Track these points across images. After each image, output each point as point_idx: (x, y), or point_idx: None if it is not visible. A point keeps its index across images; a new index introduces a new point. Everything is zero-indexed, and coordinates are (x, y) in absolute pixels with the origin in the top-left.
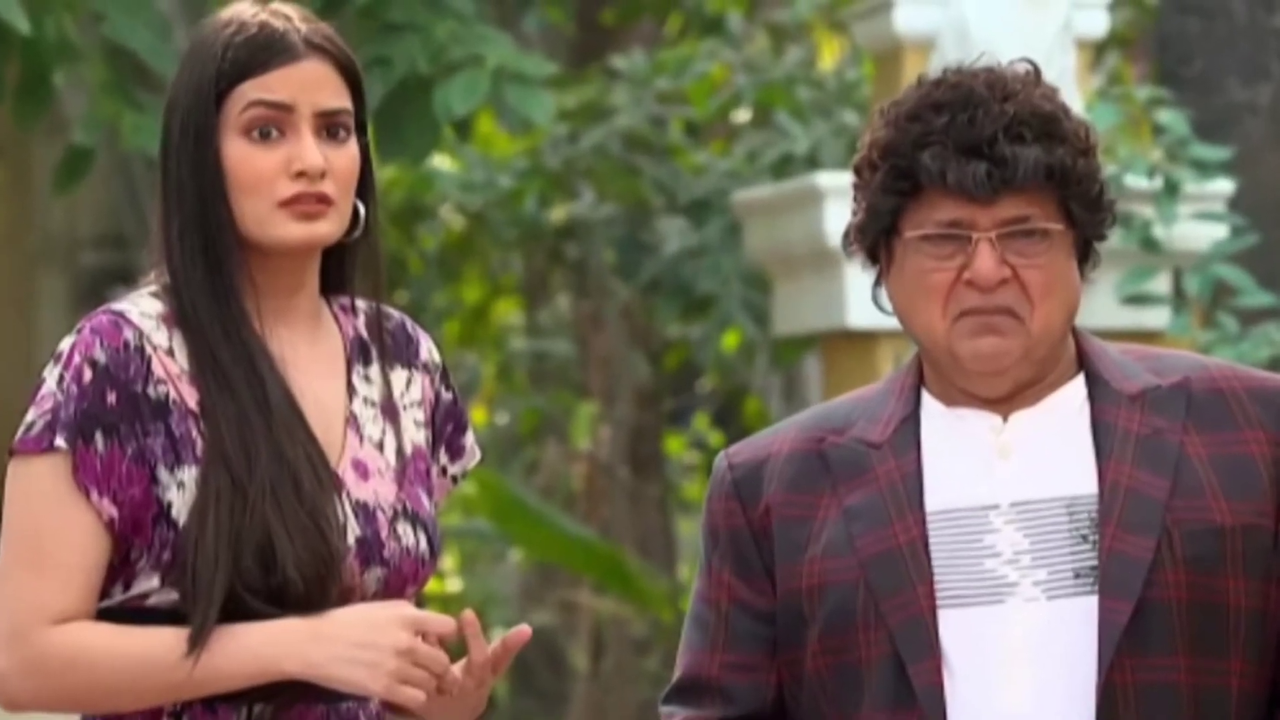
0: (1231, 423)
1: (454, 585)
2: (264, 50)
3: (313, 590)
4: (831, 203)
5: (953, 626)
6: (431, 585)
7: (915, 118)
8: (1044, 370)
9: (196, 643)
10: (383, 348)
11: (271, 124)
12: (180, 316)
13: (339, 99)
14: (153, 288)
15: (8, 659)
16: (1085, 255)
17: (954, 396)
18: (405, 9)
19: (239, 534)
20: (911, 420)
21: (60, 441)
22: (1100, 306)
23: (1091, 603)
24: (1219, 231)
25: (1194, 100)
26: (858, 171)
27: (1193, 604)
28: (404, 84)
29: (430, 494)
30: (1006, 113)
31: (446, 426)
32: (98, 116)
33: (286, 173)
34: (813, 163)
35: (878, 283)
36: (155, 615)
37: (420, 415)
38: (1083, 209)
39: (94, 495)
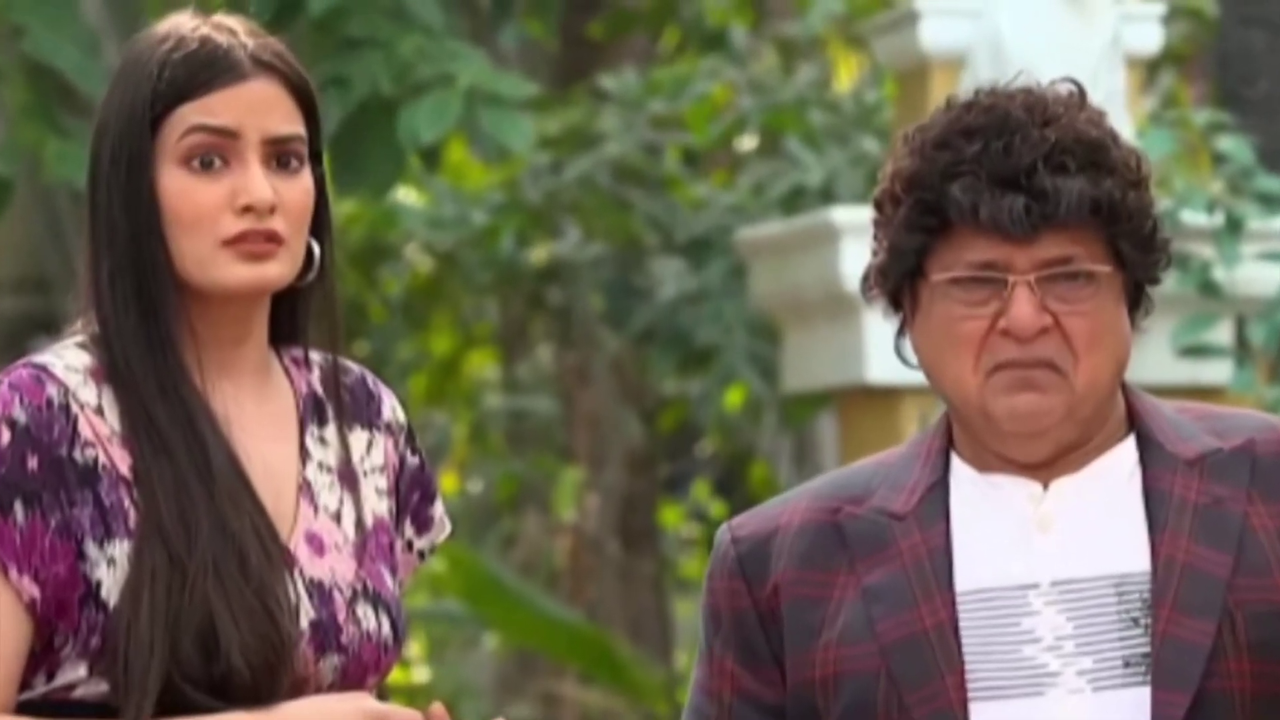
0: None
1: (421, 674)
2: (205, 69)
3: (261, 680)
4: (848, 242)
5: None
6: (396, 675)
7: (944, 145)
8: (1089, 431)
9: None
10: (340, 406)
11: (214, 152)
12: (111, 370)
13: (290, 124)
14: (79, 338)
15: None
16: (1136, 301)
17: (988, 461)
18: (366, 22)
19: (177, 617)
20: (939, 488)
21: None
22: (1153, 359)
23: (1143, 694)
24: None
25: (1259, 125)
26: (878, 206)
27: (1258, 696)
28: (364, 106)
29: (394, 571)
30: (1047, 139)
31: (412, 495)
32: (17, 143)
33: (231, 207)
34: (827, 196)
35: (901, 332)
36: (83, 709)
37: (382, 482)
38: (1133, 248)
39: (13, 573)
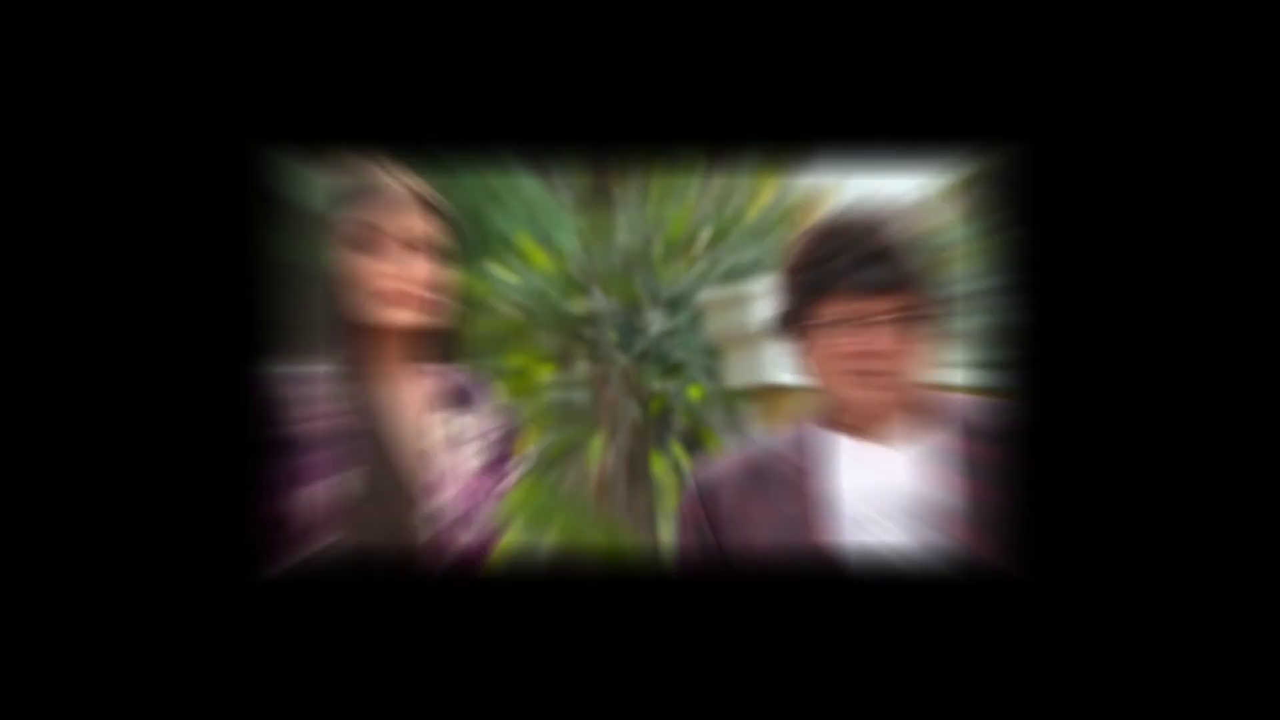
0: None
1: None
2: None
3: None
4: (766, 300)
5: None
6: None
7: (824, 240)
8: (913, 416)
9: None
10: (455, 398)
11: (370, 240)
12: (319, 379)
13: (422, 225)
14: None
15: None
16: (942, 333)
17: (852, 433)
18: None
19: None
20: (828, 451)
21: None
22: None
23: None
24: None
25: None
26: (784, 277)
27: None
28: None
29: (489, 499)
30: (886, 236)
31: (497, 454)
32: None
33: (383, 274)
34: (753, 271)
35: (799, 354)
36: None
37: (482, 446)
38: (937, 302)
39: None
